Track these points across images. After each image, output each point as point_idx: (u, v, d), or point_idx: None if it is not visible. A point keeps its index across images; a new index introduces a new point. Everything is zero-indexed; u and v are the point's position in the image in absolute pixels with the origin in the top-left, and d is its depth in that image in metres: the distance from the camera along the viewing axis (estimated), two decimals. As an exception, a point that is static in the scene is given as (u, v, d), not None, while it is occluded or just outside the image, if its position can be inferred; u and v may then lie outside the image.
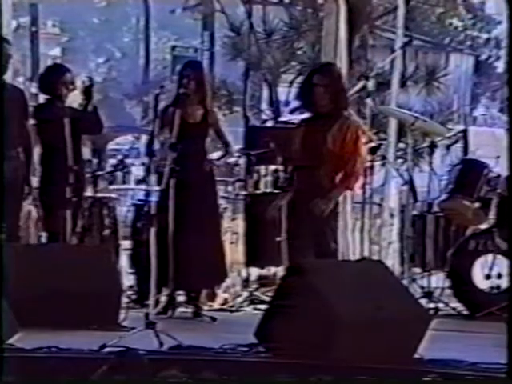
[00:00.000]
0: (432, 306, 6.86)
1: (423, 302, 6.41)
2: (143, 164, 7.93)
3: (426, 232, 7.44)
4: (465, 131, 8.52)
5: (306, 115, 5.92)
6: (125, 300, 6.28)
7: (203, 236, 6.52)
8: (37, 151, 6.74)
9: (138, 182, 8.05)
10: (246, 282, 7.21)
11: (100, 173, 7.43)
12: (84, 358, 4.82)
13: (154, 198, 6.11)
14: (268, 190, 7.20)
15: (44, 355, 4.82)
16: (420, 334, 5.07)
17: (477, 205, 7.10)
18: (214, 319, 6.51)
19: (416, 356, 4.99)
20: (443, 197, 7.30)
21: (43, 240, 6.95)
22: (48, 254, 6.19)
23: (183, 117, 6.45)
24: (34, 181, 6.69)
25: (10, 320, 5.05)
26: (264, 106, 10.17)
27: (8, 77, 6.59)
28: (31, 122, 6.65)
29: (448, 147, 8.38)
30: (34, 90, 9.92)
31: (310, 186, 5.80)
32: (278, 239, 6.42)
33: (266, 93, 10.13)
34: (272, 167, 7.18)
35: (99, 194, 7.31)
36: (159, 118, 6.16)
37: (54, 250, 6.33)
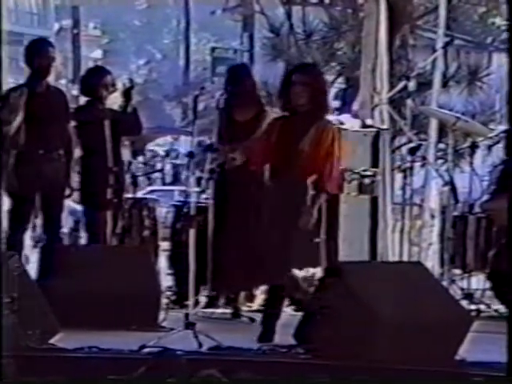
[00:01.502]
0: (473, 307, 6.79)
1: (464, 303, 6.35)
2: (182, 165, 7.95)
3: (467, 233, 7.37)
4: (507, 131, 8.44)
5: (283, 113, 5.69)
6: (164, 301, 6.30)
7: (243, 237, 6.51)
8: (77, 153, 6.78)
9: (177, 182, 8.08)
10: (285, 283, 7.18)
11: (140, 174, 7.46)
12: (124, 358, 4.84)
13: (193, 199, 6.12)
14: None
15: (85, 355, 4.85)
16: (461, 336, 5.02)
17: (519, 205, 7.00)
18: (252, 320, 6.50)
19: (457, 358, 4.94)
20: (485, 197, 7.23)
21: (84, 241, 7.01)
22: (88, 254, 6.23)
23: (233, 116, 6.43)
24: (75, 182, 6.74)
25: (50, 320, 5.09)
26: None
27: (50, 79, 6.65)
28: (72, 123, 6.70)
29: (489, 147, 8.30)
30: (75, 92, 9.99)
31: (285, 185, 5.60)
32: (316, 240, 6.37)
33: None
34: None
35: (139, 195, 7.34)
36: (219, 116, 6.13)
37: (95, 251, 6.37)
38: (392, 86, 7.85)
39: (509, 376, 4.53)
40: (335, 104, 10.00)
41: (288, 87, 5.56)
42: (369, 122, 7.55)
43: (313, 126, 5.54)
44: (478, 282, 7.17)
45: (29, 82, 6.59)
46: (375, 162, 7.33)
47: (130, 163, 7.20)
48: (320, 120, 5.59)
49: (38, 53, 6.56)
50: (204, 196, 6.73)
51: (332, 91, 10.50)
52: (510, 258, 6.91)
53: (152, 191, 9.17)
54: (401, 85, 7.74)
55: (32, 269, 6.11)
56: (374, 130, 7.46)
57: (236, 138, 6.41)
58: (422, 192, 7.67)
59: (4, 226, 6.67)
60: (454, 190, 7.13)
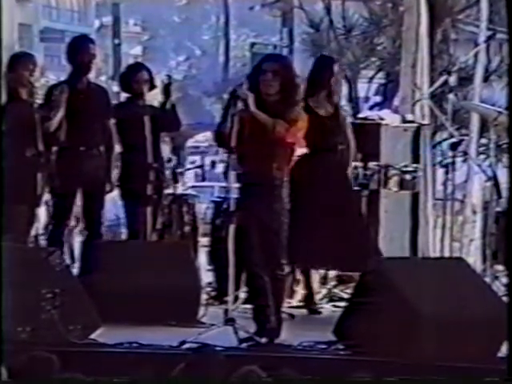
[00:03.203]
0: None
1: (507, 300, 6.27)
2: (222, 161, 7.94)
3: (511, 229, 7.28)
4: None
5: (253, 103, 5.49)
6: (204, 296, 6.30)
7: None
8: (117, 149, 6.81)
9: (217, 178, 8.06)
10: (324, 279, 7.16)
11: (179, 170, 7.47)
12: (163, 353, 4.85)
13: (233, 195, 6.11)
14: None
15: (125, 350, 4.86)
16: (503, 333, 4.96)
17: None
18: (292, 316, 6.48)
19: (499, 355, 4.89)
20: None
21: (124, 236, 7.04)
22: (129, 250, 6.25)
23: None
24: (115, 178, 6.76)
25: (92, 315, 5.11)
26: (343, 101, 10.10)
27: (91, 76, 6.68)
28: (113, 120, 6.73)
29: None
30: (115, 88, 10.04)
31: (259, 177, 5.48)
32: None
33: (345, 89, 10.06)
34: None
35: (179, 191, 7.35)
36: None
37: (135, 247, 6.39)
38: (433, 81, 7.78)
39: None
40: (376, 99, 9.95)
41: (257, 76, 5.35)
42: (409, 117, 7.49)
43: (282, 115, 5.35)
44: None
45: (70, 79, 6.63)
46: (416, 158, 7.28)
47: (169, 159, 7.21)
48: (289, 111, 5.38)
49: (79, 50, 6.60)
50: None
51: (372, 86, 10.47)
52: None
53: (192, 187, 9.17)
54: (442, 79, 7.67)
55: (73, 264, 6.14)
56: (415, 125, 7.40)
57: None
58: (464, 187, 7.60)
59: (45, 222, 6.72)
60: (497, 185, 7.04)
